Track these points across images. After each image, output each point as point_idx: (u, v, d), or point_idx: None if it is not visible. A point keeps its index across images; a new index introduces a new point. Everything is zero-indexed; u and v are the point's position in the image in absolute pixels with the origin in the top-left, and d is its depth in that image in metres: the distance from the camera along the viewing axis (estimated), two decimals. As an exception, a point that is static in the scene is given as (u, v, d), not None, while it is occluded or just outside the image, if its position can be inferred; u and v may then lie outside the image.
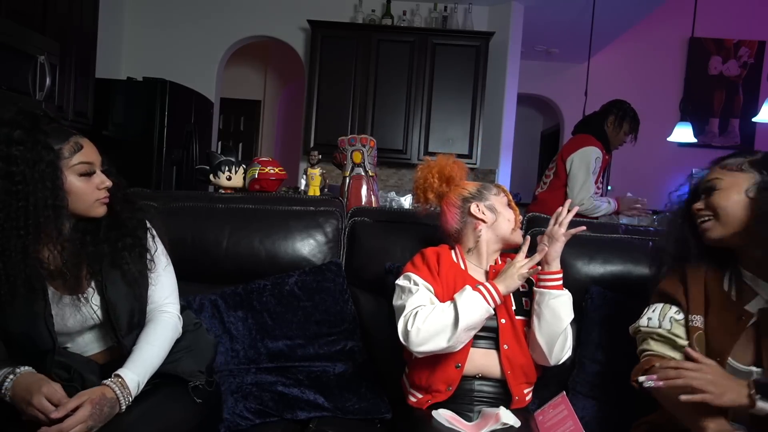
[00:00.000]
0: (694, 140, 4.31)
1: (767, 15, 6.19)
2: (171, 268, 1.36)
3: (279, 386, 1.46)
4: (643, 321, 1.27)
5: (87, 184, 1.15)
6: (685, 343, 1.20)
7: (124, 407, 1.11)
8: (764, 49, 6.35)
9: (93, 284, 1.21)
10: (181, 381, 1.23)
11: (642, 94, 6.33)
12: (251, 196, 1.93)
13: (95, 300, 1.21)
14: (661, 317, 1.24)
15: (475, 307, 1.28)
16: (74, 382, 1.15)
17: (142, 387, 1.15)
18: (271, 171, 2.16)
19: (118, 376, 1.13)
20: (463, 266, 1.45)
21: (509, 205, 1.52)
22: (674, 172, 6.28)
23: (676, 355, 1.21)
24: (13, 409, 1.10)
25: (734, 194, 1.18)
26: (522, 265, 1.33)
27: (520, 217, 1.54)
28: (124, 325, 1.22)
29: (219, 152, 2.22)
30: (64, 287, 1.18)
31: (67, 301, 1.18)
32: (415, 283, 1.39)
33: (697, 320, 1.20)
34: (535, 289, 1.38)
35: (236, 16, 4.92)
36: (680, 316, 1.23)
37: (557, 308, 1.33)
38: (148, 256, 1.27)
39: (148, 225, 1.31)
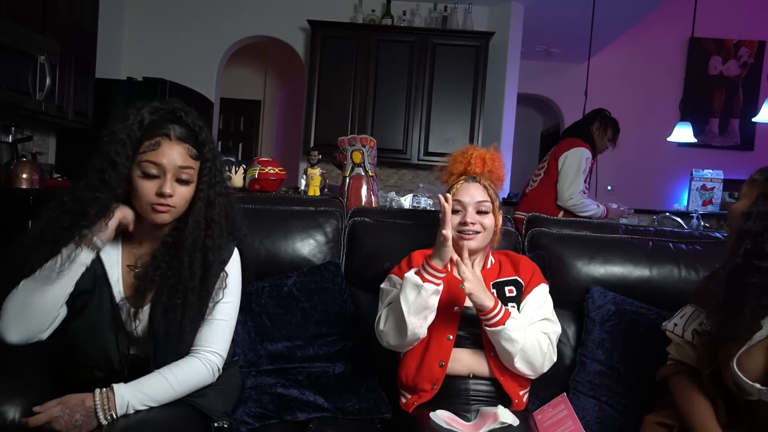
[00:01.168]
0: (694, 140, 4.31)
1: (767, 15, 6.19)
2: (233, 314, 1.27)
3: (278, 388, 1.46)
4: (670, 325, 1.29)
5: (146, 185, 1.14)
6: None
7: (103, 421, 1.06)
8: (764, 49, 6.35)
9: (149, 306, 1.18)
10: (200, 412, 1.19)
11: (642, 94, 6.35)
12: (251, 197, 1.93)
13: (143, 319, 1.18)
14: (686, 326, 1.25)
15: (412, 291, 1.27)
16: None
17: (132, 409, 1.09)
18: (271, 171, 2.17)
19: (111, 388, 1.09)
20: (449, 267, 1.45)
21: (457, 209, 1.41)
22: (674, 172, 6.28)
23: (692, 360, 1.24)
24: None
25: None
26: (441, 231, 1.27)
27: (468, 223, 1.40)
28: (159, 357, 1.19)
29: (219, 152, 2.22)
30: (131, 298, 1.18)
31: (123, 310, 1.18)
32: (393, 285, 1.44)
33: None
34: None
35: (236, 16, 4.92)
36: (701, 328, 1.22)
37: (499, 342, 1.31)
38: (211, 302, 1.20)
39: (232, 265, 1.25)
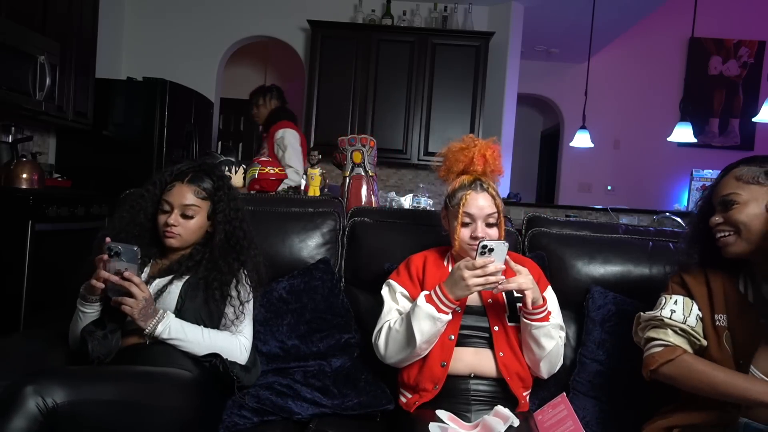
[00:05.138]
0: (694, 140, 4.31)
1: (767, 15, 6.19)
2: (252, 310, 1.50)
3: (276, 386, 1.46)
4: (665, 311, 1.24)
5: (161, 217, 1.45)
6: (704, 343, 1.20)
7: (150, 327, 1.30)
8: (764, 49, 6.35)
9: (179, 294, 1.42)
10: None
11: (642, 94, 6.34)
12: (251, 197, 1.93)
13: (171, 299, 1.40)
14: (686, 312, 1.23)
15: (427, 321, 1.29)
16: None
17: (168, 328, 1.32)
18: (271, 171, 2.17)
19: (165, 311, 1.34)
20: (450, 269, 1.45)
21: (467, 222, 1.39)
22: (674, 172, 6.28)
23: (689, 349, 1.21)
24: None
25: (754, 208, 1.15)
26: (470, 275, 1.24)
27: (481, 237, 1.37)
28: None
29: (219, 152, 2.23)
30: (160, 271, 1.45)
31: (154, 283, 1.41)
32: (393, 291, 1.46)
33: (723, 320, 1.20)
34: (520, 316, 1.37)
35: (236, 16, 4.92)
36: (701, 314, 1.22)
37: (538, 338, 1.34)
38: (230, 300, 1.45)
39: (244, 277, 1.48)
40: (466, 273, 1.25)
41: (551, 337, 1.35)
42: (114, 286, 1.28)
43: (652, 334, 1.25)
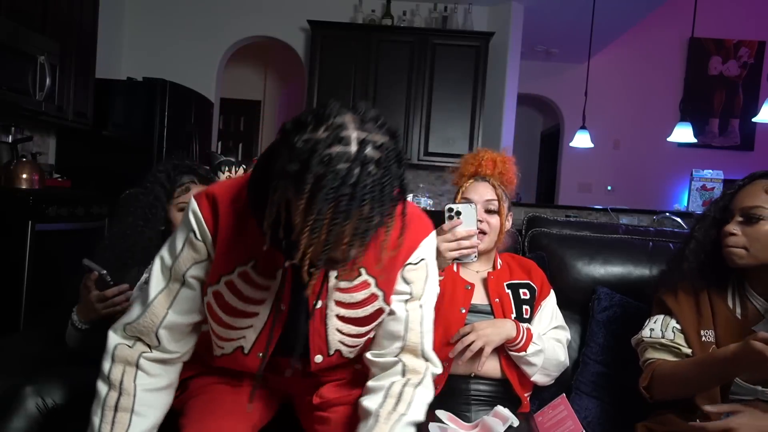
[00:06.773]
0: (694, 140, 4.31)
1: (767, 15, 6.19)
2: None
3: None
4: (645, 332, 1.29)
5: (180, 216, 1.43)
6: (687, 351, 1.22)
7: None
8: (764, 49, 6.35)
9: None
10: None
11: (642, 94, 6.34)
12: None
13: None
14: (663, 328, 1.27)
15: None
16: None
17: None
18: (271, 171, 2.16)
19: None
20: (455, 268, 1.45)
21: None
22: (674, 172, 6.28)
23: (673, 359, 1.24)
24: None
25: None
26: (441, 240, 1.18)
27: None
28: None
29: (219, 152, 2.23)
30: None
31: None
32: None
33: (710, 335, 1.21)
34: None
35: (236, 16, 4.92)
36: (680, 326, 1.25)
37: (521, 365, 1.36)
38: None
39: None
40: (437, 240, 1.22)
41: (530, 362, 1.35)
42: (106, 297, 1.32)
43: (644, 356, 1.29)
